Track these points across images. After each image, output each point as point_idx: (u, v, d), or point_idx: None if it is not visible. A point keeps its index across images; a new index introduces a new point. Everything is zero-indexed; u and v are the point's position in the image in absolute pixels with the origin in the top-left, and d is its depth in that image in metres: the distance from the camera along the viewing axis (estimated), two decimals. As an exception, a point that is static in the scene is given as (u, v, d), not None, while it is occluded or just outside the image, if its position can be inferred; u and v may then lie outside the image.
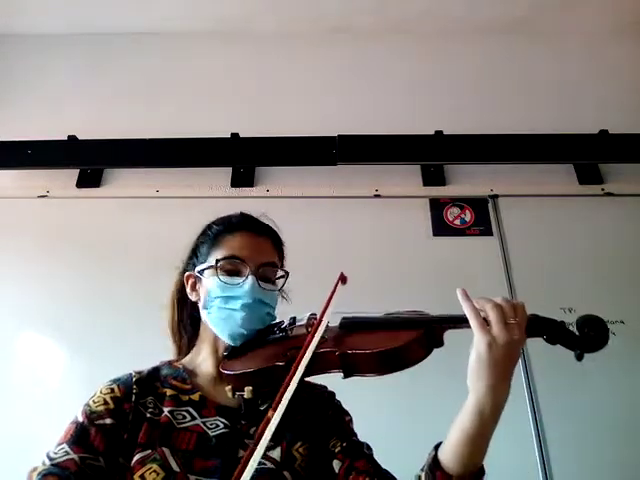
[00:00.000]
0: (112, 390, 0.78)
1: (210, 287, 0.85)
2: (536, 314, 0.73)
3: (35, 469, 0.69)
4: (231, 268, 0.85)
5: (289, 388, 0.64)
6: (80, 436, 0.72)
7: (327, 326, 0.79)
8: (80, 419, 0.75)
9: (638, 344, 1.68)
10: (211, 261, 0.86)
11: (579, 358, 0.68)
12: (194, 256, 0.93)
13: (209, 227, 0.93)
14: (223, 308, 0.83)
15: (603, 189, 2.05)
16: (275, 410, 0.61)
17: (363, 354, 0.70)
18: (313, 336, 0.72)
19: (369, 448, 0.84)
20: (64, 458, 0.70)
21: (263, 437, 0.58)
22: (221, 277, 0.84)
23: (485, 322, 0.66)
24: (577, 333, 0.70)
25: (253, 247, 0.86)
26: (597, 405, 1.61)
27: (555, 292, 1.81)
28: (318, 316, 0.78)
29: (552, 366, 1.62)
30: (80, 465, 0.69)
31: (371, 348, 0.70)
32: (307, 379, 0.76)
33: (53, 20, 2.42)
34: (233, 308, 0.82)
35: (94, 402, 0.77)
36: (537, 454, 1.57)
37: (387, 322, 0.77)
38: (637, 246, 1.91)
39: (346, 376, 0.72)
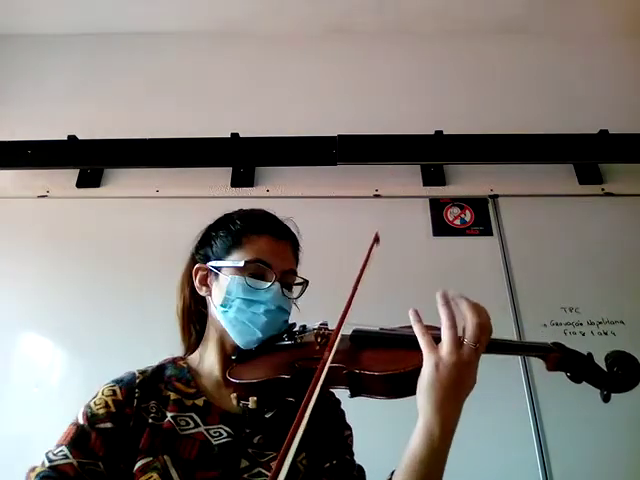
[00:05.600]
0: (114, 392, 0.76)
1: (230, 287, 0.82)
2: (561, 344, 0.69)
3: (34, 469, 0.68)
4: (256, 271, 0.83)
5: (298, 432, 0.54)
6: (80, 439, 0.70)
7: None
8: (81, 421, 0.73)
9: (638, 344, 1.68)
10: (234, 260, 0.83)
11: (606, 399, 0.64)
12: (208, 247, 0.89)
13: (231, 221, 0.89)
14: (244, 310, 0.81)
15: (603, 189, 2.05)
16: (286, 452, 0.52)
17: (372, 375, 0.67)
18: (324, 365, 0.63)
19: (360, 471, 0.82)
20: (63, 462, 0.68)
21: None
22: (248, 280, 0.82)
23: (434, 341, 0.65)
24: (605, 370, 0.65)
25: (278, 253, 0.85)
26: (597, 405, 1.60)
27: (555, 292, 1.81)
28: (334, 331, 0.68)
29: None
30: (79, 470, 0.67)
31: (380, 370, 0.67)
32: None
33: (53, 20, 2.42)
34: (255, 312, 0.81)
35: (95, 404, 0.75)
36: (537, 454, 1.57)
37: (400, 340, 0.73)
38: (637, 246, 1.91)
39: (353, 395, 0.70)
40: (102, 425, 0.72)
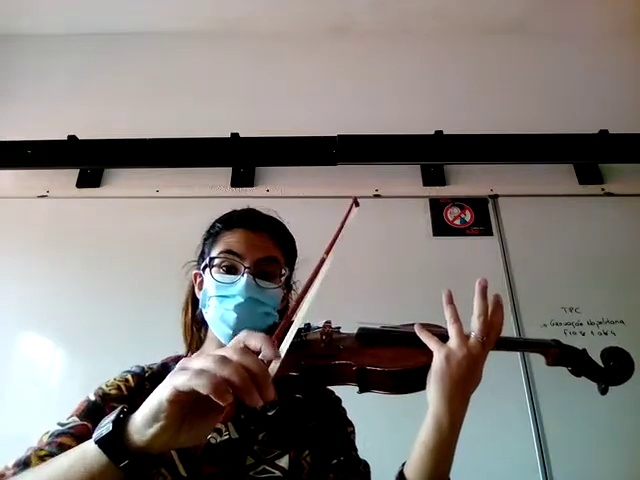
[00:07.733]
0: (127, 380, 0.78)
1: (206, 286, 0.84)
2: (558, 340, 0.74)
3: (47, 432, 0.68)
4: (227, 265, 0.83)
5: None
6: (92, 411, 0.71)
7: (343, 335, 0.78)
8: (92, 398, 0.74)
9: (638, 344, 1.68)
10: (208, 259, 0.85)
11: (603, 392, 0.69)
12: (200, 253, 0.92)
13: (213, 224, 0.91)
14: (218, 307, 0.81)
15: (603, 189, 2.05)
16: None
17: (381, 372, 0.69)
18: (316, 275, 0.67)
19: (366, 466, 0.83)
20: (77, 423, 0.69)
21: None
22: (215, 275, 0.82)
23: (441, 340, 0.70)
24: (602, 365, 0.70)
25: (250, 242, 0.84)
26: (597, 405, 1.60)
27: (555, 292, 1.81)
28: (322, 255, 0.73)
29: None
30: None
31: (389, 366, 0.69)
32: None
33: (53, 20, 2.42)
34: (226, 308, 0.80)
35: (107, 386, 0.77)
36: (537, 454, 1.57)
37: (406, 338, 0.75)
38: (637, 246, 1.91)
39: (362, 391, 0.71)
40: (114, 404, 0.73)
